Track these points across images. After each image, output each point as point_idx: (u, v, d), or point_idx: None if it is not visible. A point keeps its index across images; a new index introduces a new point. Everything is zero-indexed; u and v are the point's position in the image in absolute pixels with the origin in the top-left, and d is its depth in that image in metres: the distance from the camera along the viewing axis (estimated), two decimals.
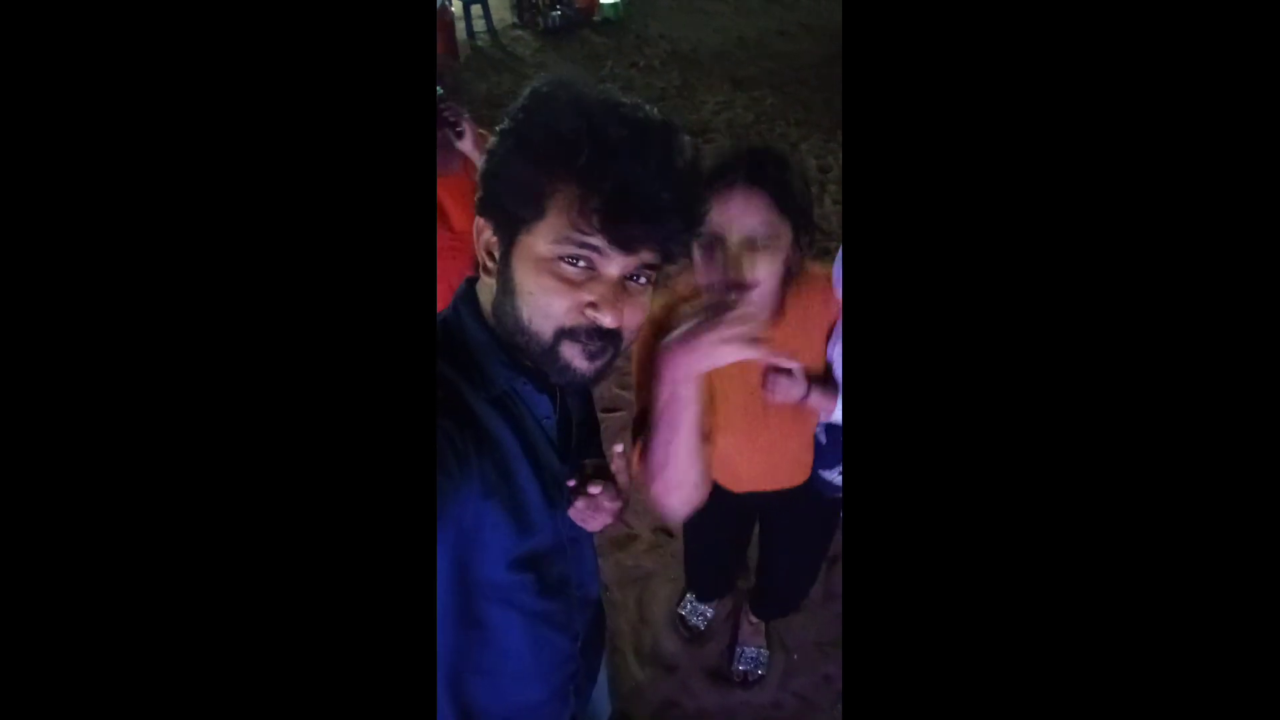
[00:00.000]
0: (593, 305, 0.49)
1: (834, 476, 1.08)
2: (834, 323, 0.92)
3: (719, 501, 0.87)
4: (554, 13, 7.00)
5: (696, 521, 0.76)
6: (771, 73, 5.27)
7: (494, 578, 0.59)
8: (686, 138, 0.50)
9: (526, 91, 0.50)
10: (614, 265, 0.49)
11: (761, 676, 1.45)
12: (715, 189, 0.74)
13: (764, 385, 0.90)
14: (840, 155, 3.87)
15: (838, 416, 0.96)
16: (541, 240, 0.48)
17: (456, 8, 6.58)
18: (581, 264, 0.48)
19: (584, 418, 0.69)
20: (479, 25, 6.99)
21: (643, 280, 0.52)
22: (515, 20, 7.48)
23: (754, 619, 1.49)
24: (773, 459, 1.04)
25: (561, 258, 0.48)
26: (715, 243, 0.77)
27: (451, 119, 1.21)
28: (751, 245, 0.77)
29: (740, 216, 0.75)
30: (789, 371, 0.88)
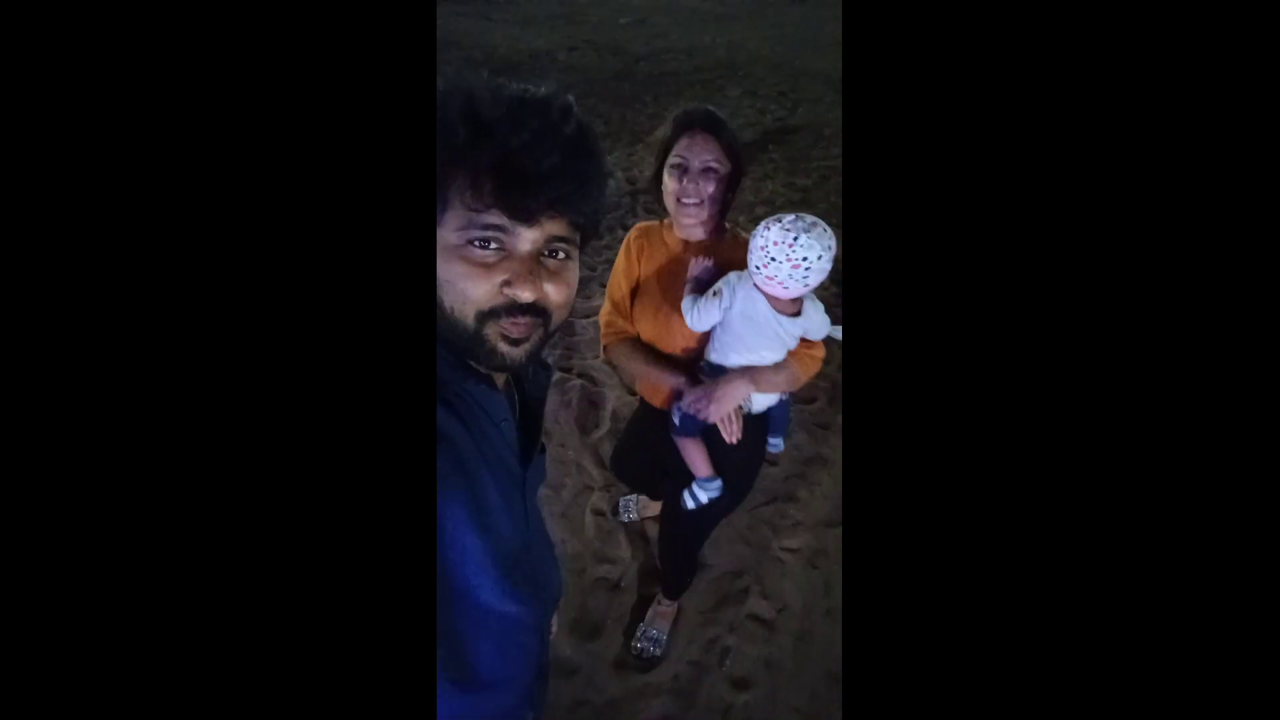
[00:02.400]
0: (507, 283, 0.49)
1: (775, 444, 1.29)
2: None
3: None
4: None
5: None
6: (568, 86, 5.44)
7: (461, 583, 0.59)
8: (566, 105, 0.51)
9: (441, 104, 0.51)
10: (523, 241, 0.50)
11: (657, 656, 1.56)
12: (683, 130, 1.08)
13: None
14: (644, 168, 4.16)
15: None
16: (450, 230, 0.49)
17: None
18: (492, 245, 0.49)
19: (540, 418, 0.70)
20: None
21: (560, 255, 0.53)
22: None
23: (665, 602, 1.59)
24: None
25: (469, 242, 0.49)
26: (682, 166, 1.08)
27: None
28: (707, 170, 1.07)
29: (701, 151, 1.07)
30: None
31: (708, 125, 1.07)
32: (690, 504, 1.24)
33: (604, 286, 2.90)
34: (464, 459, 0.56)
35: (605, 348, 1.24)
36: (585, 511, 1.92)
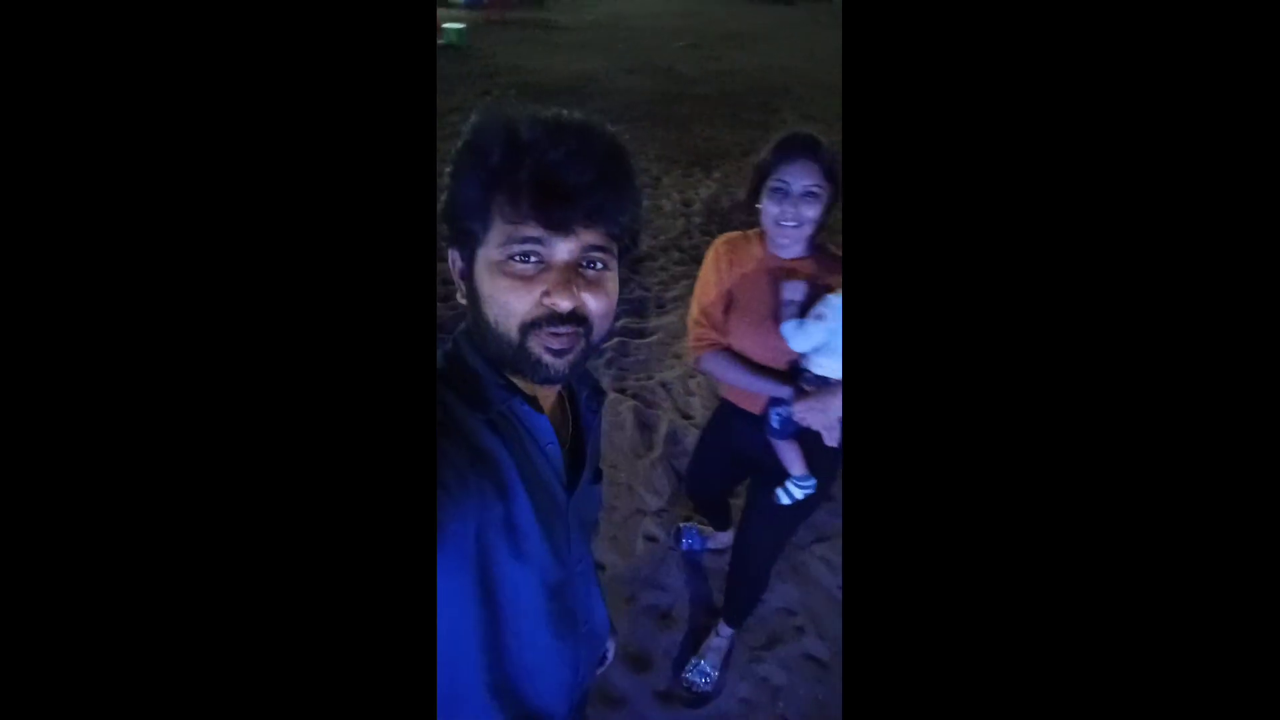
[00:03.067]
0: (547, 293, 0.51)
1: (797, 488, 1.27)
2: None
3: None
4: None
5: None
6: (625, 108, 5.52)
7: (499, 606, 0.59)
8: (605, 127, 0.54)
9: (466, 128, 0.53)
10: (560, 252, 0.51)
11: (709, 692, 1.52)
12: (785, 154, 1.10)
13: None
14: (699, 189, 4.17)
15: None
16: (492, 247, 0.51)
17: None
18: (531, 259, 0.51)
19: (592, 445, 0.70)
20: None
21: (599, 265, 0.54)
22: None
23: (722, 633, 1.56)
24: None
25: (510, 257, 0.51)
26: (783, 190, 1.11)
27: None
28: (808, 195, 1.10)
29: (803, 175, 1.09)
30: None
31: (809, 150, 1.10)
32: (785, 500, 1.29)
33: (660, 307, 2.92)
34: (503, 480, 0.56)
35: (697, 358, 1.27)
36: (637, 536, 1.91)
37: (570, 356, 0.53)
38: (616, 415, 2.33)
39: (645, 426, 2.32)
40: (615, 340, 2.70)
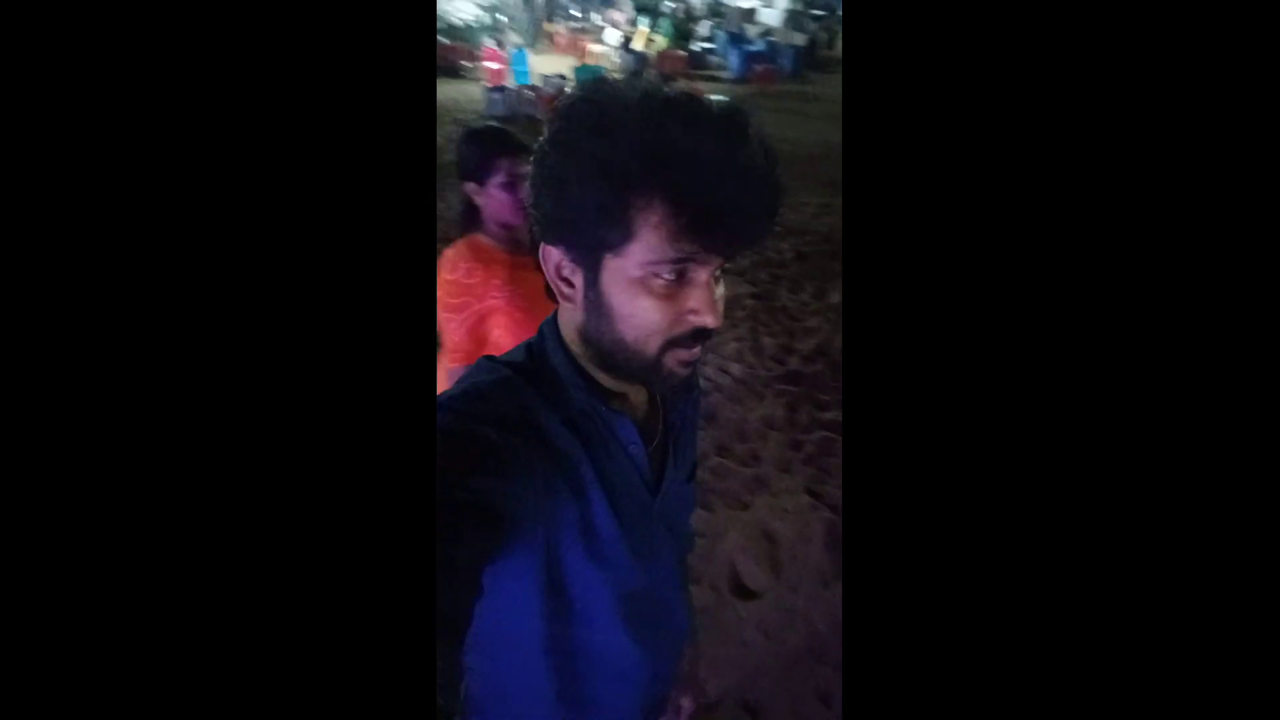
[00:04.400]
0: (694, 311, 0.49)
1: None
2: None
3: None
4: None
5: None
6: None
7: (576, 600, 0.56)
8: (754, 126, 0.47)
9: (563, 106, 0.48)
10: (705, 270, 0.48)
11: None
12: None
13: None
14: None
15: None
16: (633, 262, 0.47)
17: (571, 88, 7.16)
18: (676, 274, 0.48)
19: (682, 444, 0.66)
20: None
21: (719, 275, 0.51)
22: None
23: None
24: None
25: (657, 274, 0.47)
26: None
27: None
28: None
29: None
30: None
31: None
32: None
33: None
34: (581, 481, 0.54)
35: None
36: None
37: (694, 364, 0.52)
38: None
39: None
40: None
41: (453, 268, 1.24)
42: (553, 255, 0.51)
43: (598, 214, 0.46)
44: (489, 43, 10.19)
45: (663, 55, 10.00)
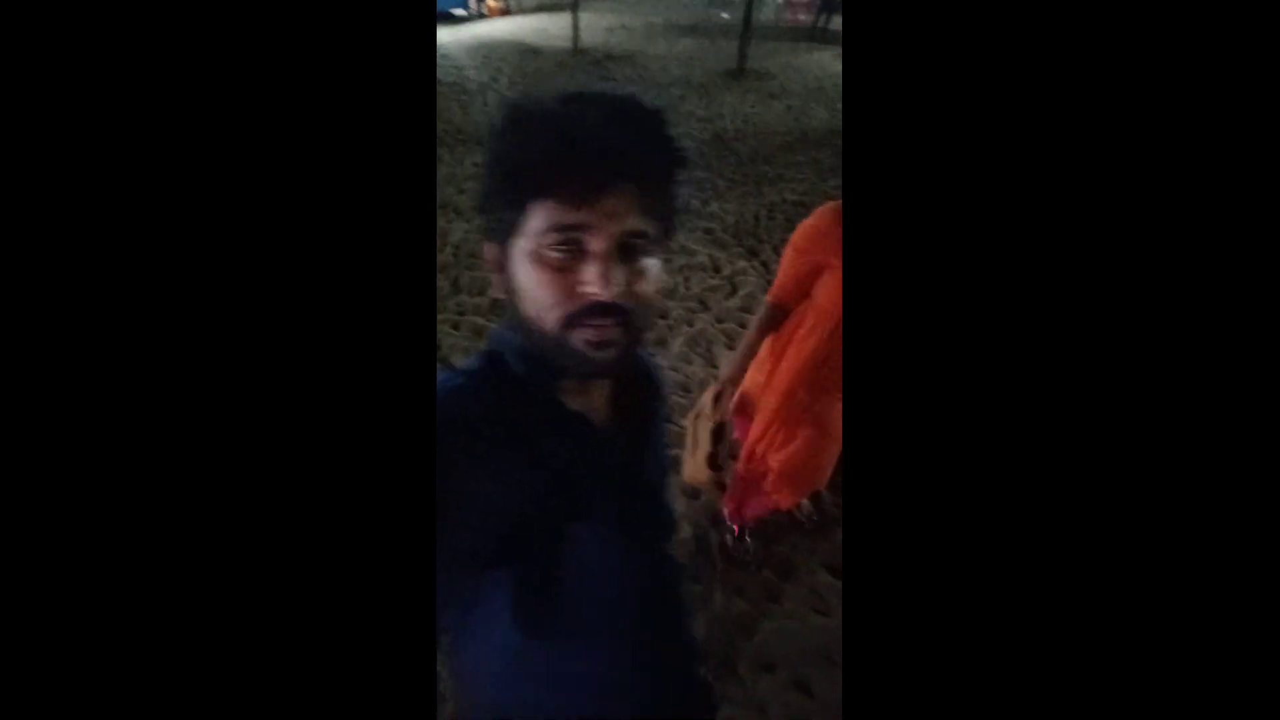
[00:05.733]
0: (586, 283, 0.48)
1: None
2: None
3: None
4: None
5: None
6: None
7: (550, 598, 0.56)
8: (648, 104, 0.49)
9: (496, 115, 0.50)
10: (598, 239, 0.47)
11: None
12: None
13: None
14: None
15: None
16: (528, 236, 0.48)
17: None
18: (569, 246, 0.48)
19: (650, 431, 0.66)
20: None
21: (639, 252, 0.50)
22: None
23: None
24: None
25: (546, 246, 0.48)
26: None
27: None
28: None
29: None
30: None
31: None
32: None
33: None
34: (549, 485, 0.54)
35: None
36: None
37: (613, 350, 0.50)
38: None
39: None
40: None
41: (818, 217, 1.28)
42: (488, 250, 0.54)
43: (501, 198, 0.49)
44: None
45: None
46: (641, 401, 0.64)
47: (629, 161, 0.47)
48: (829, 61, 9.34)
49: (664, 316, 2.93)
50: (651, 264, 0.51)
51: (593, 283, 0.48)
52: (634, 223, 0.48)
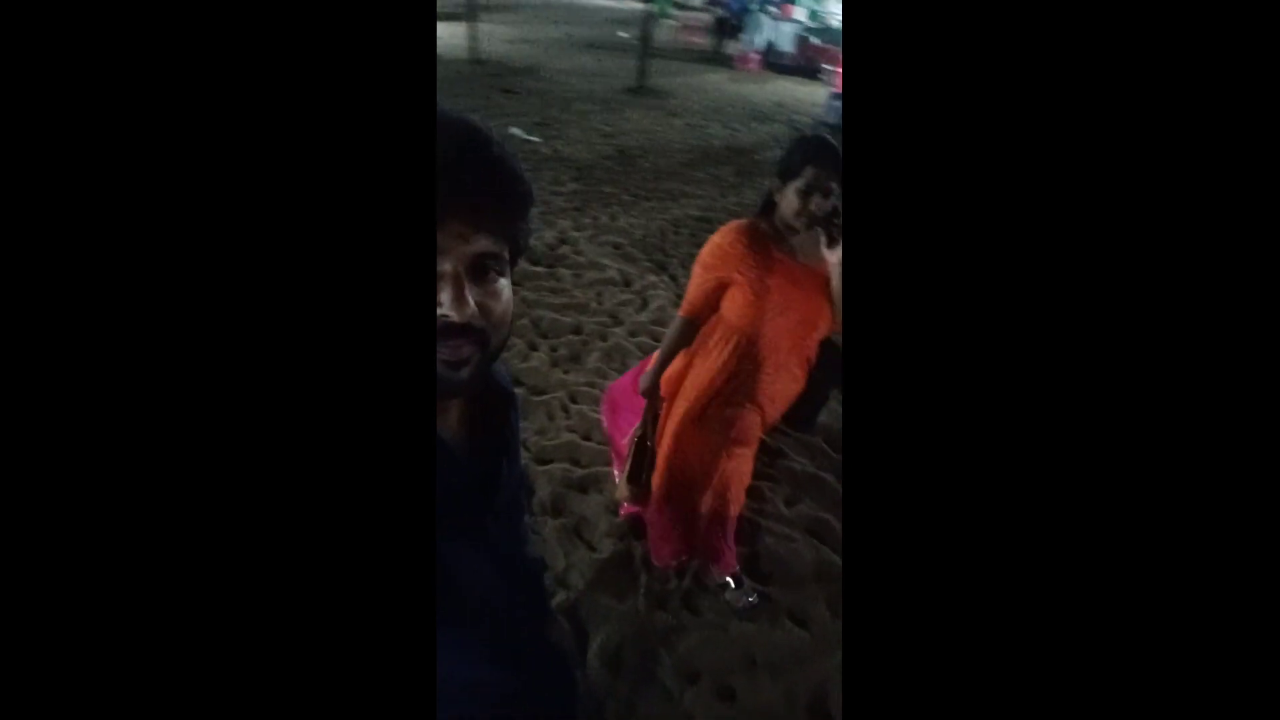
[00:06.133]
0: (436, 305, 0.48)
1: None
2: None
3: None
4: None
5: None
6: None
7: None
8: (478, 126, 0.50)
9: None
10: (448, 261, 0.48)
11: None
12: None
13: None
14: None
15: None
16: None
17: None
18: None
19: (506, 445, 0.67)
20: None
21: (491, 272, 0.51)
22: None
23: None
24: None
25: None
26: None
27: (836, 233, 1.28)
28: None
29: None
30: None
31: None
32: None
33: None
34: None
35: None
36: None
37: (467, 369, 0.50)
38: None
39: None
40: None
41: (723, 235, 1.37)
42: None
43: None
44: None
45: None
46: (495, 415, 0.65)
47: (476, 186, 0.48)
48: (725, 82, 9.79)
49: (578, 332, 2.92)
50: (502, 284, 0.53)
51: (445, 304, 0.48)
52: (484, 244, 0.50)
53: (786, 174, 1.32)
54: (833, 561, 1.93)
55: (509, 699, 0.62)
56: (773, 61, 11.37)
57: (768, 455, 2.24)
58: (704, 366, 1.45)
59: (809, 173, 1.27)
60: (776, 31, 11.28)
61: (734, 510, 1.65)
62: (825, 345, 1.48)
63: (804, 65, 11.27)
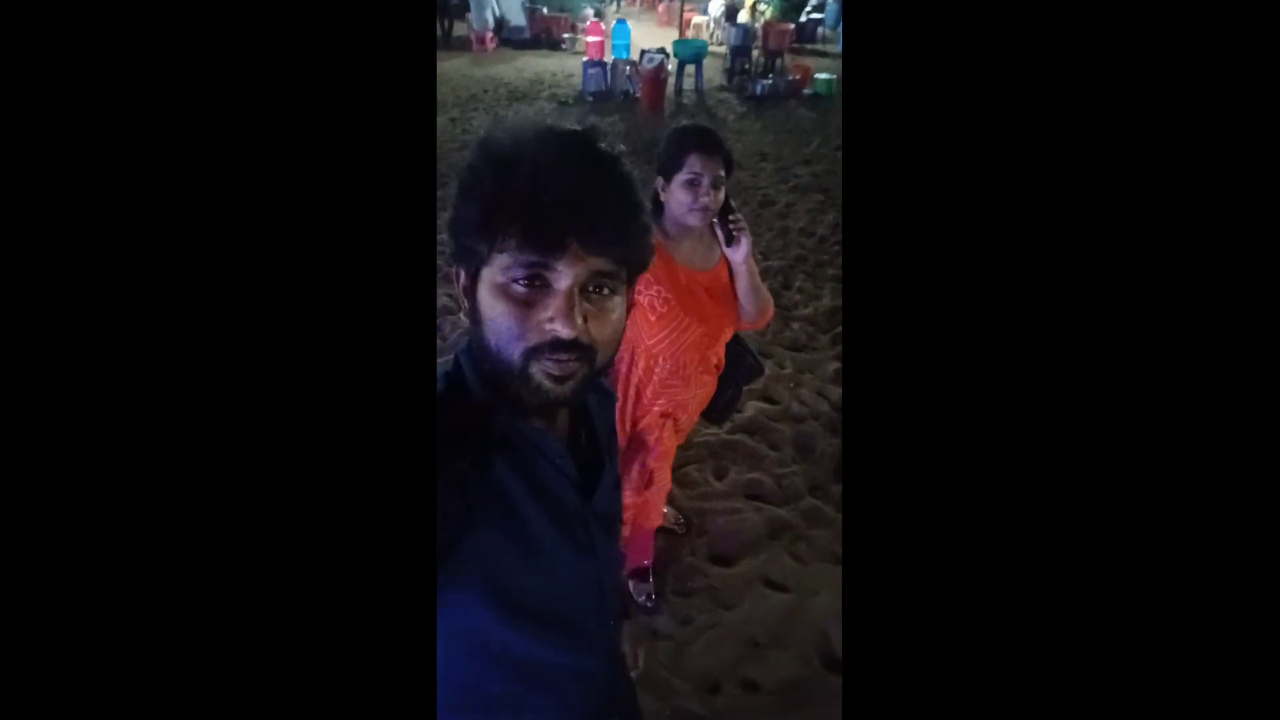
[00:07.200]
0: (550, 319, 0.50)
1: None
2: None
3: None
4: (764, 81, 7.71)
5: None
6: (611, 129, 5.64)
7: (514, 608, 0.58)
8: (610, 146, 0.52)
9: (475, 145, 0.52)
10: (563, 278, 0.49)
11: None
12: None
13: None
14: None
15: None
16: (496, 269, 0.50)
17: (671, 65, 7.43)
18: (535, 282, 0.50)
19: (607, 445, 0.70)
20: (689, 84, 7.95)
21: (604, 291, 0.52)
22: (724, 84, 8.35)
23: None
24: None
25: (513, 280, 0.50)
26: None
27: (735, 230, 1.27)
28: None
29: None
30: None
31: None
32: None
33: None
34: (511, 499, 0.57)
35: None
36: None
37: (571, 383, 0.52)
38: None
39: None
40: None
41: None
42: (458, 275, 0.56)
43: (471, 227, 0.51)
44: (591, 14, 10.09)
45: (769, 26, 8.73)
46: (599, 417, 0.70)
47: (596, 204, 0.49)
48: (468, 68, 9.32)
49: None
50: (615, 302, 0.54)
51: (557, 319, 0.50)
52: (599, 263, 0.51)
53: (668, 169, 1.26)
54: (777, 514, 2.03)
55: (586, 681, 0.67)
56: (508, 38, 11.10)
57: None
58: (631, 393, 1.40)
59: (693, 161, 1.23)
60: (500, 5, 10.95)
61: (655, 524, 1.66)
62: (733, 343, 1.49)
63: (543, 38, 11.17)
